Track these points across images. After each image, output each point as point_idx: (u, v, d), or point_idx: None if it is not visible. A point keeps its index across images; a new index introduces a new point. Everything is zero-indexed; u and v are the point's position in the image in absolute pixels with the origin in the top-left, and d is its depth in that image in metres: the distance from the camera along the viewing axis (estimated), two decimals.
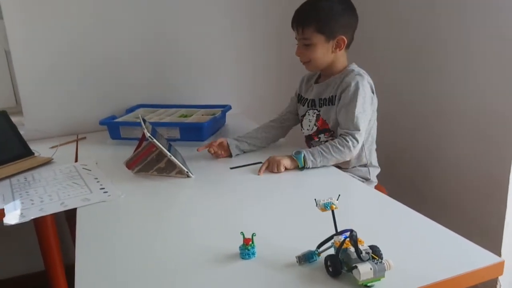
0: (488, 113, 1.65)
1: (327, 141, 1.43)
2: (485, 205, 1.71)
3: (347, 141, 1.34)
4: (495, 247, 1.62)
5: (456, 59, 1.74)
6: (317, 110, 1.49)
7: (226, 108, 1.89)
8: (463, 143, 1.77)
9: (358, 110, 1.36)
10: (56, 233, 1.65)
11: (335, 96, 1.42)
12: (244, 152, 1.52)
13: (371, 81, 1.43)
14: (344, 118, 1.38)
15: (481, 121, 1.68)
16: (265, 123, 1.62)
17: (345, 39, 1.39)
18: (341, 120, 1.40)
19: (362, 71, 1.43)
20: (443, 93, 1.83)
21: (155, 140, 1.25)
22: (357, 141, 1.35)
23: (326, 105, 1.46)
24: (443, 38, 1.79)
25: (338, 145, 1.34)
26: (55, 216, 1.62)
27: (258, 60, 2.18)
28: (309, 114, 1.51)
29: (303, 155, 1.32)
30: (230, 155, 1.49)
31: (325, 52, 1.41)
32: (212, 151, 1.48)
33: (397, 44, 2.03)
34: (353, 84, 1.37)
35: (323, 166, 1.34)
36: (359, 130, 1.35)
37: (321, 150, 1.34)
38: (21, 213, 1.10)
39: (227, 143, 1.49)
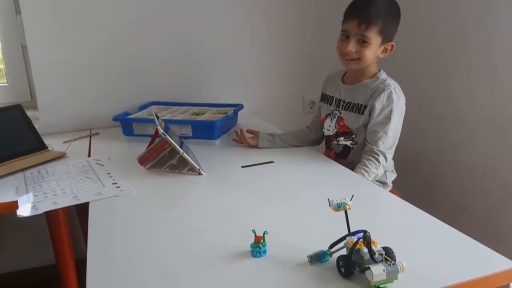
0: (505, 118, 1.63)
1: (346, 144, 1.45)
2: (499, 210, 1.69)
3: (380, 162, 1.36)
4: (509, 252, 1.60)
5: (476, 61, 1.72)
6: (339, 111, 1.48)
7: (238, 107, 1.89)
8: (478, 148, 1.76)
9: (392, 130, 1.36)
10: (67, 227, 1.65)
11: (364, 106, 1.39)
12: (271, 147, 1.53)
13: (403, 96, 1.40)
14: (377, 136, 1.37)
15: (497, 125, 1.66)
16: (299, 128, 1.64)
17: (394, 46, 1.35)
18: (372, 137, 1.38)
19: (396, 85, 1.40)
20: (460, 96, 1.81)
21: (168, 136, 1.26)
22: (386, 160, 1.37)
23: (351, 111, 1.43)
24: (464, 39, 1.77)
25: (374, 170, 1.35)
26: (67, 210, 1.64)
27: (272, 61, 2.17)
28: (331, 114, 1.50)
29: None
30: (256, 145, 1.52)
31: (374, 55, 1.36)
32: (238, 135, 1.53)
33: (416, 45, 2.02)
34: (390, 104, 1.35)
35: None
36: (390, 149, 1.38)
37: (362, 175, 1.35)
38: (34, 206, 1.11)
39: (258, 134, 1.53)
